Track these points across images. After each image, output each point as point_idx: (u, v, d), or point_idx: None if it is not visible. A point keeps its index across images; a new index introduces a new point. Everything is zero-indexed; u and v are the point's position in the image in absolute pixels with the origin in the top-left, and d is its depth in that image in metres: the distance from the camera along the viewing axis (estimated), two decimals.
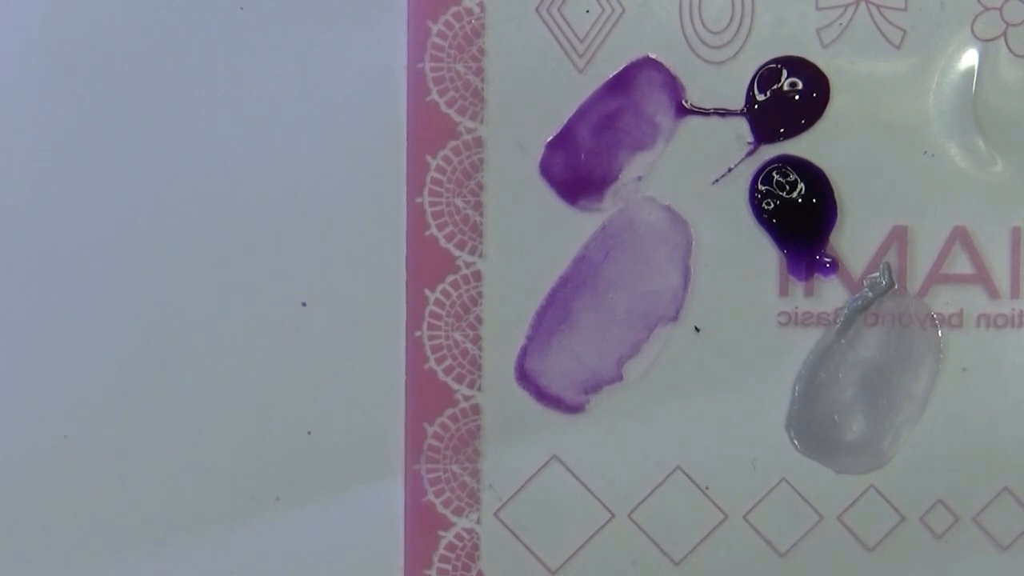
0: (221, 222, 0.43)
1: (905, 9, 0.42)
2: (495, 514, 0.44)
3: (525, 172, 0.43)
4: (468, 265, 0.43)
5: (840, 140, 0.43)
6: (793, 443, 0.43)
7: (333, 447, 0.44)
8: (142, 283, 0.44)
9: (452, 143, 0.43)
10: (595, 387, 0.43)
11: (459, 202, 0.43)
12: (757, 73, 0.43)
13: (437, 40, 0.43)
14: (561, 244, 0.43)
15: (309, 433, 0.44)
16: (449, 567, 0.44)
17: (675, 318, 0.43)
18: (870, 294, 0.43)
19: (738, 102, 0.43)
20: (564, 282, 0.43)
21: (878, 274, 0.43)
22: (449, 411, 0.44)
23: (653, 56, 0.43)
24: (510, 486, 0.44)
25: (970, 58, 0.42)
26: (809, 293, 0.43)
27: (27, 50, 0.43)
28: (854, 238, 0.43)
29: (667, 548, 0.44)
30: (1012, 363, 0.43)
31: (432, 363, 0.43)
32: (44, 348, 0.44)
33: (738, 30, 0.43)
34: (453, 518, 0.44)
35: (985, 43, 0.42)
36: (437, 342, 0.43)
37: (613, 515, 0.44)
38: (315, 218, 0.43)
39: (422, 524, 0.44)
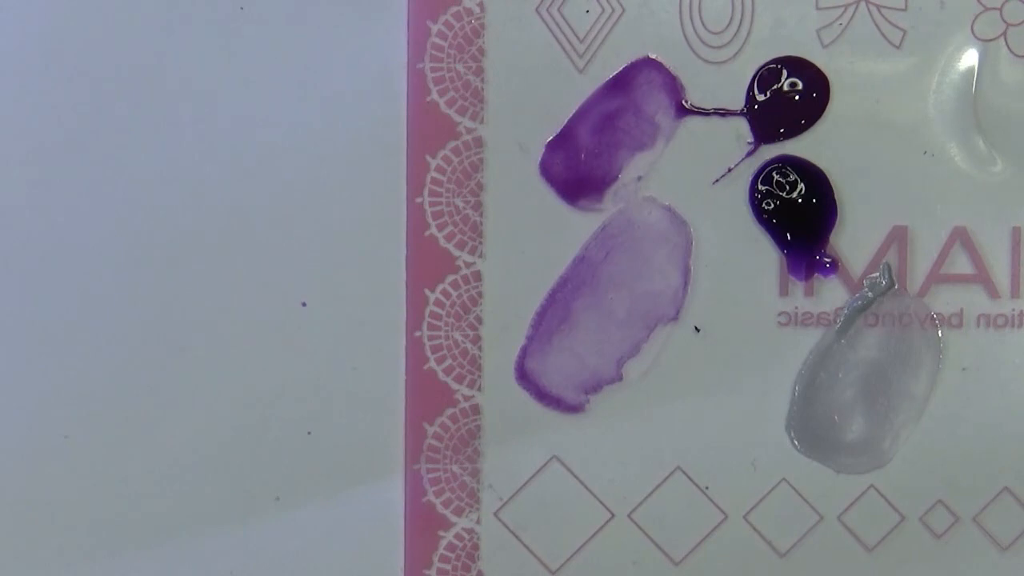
0: (221, 222, 0.43)
1: (905, 9, 0.42)
2: (495, 514, 0.44)
3: (525, 172, 0.43)
4: (468, 265, 0.43)
5: (840, 140, 0.43)
6: (793, 443, 0.43)
7: (333, 447, 0.44)
8: (142, 283, 0.44)
9: (452, 143, 0.43)
10: (595, 387, 0.43)
11: (459, 202, 0.43)
12: (757, 73, 0.43)
13: (437, 40, 0.43)
14: (561, 244, 0.43)
15: (309, 433, 0.44)
16: (449, 567, 0.44)
17: (675, 318, 0.43)
18: (870, 294, 0.43)
19: (738, 102, 0.43)
20: (564, 282, 0.43)
21: (878, 274, 0.43)
22: (449, 411, 0.44)
23: (653, 56, 0.43)
24: (510, 486, 0.44)
25: (970, 58, 0.42)
26: (809, 293, 0.43)
27: (27, 50, 0.43)
28: (854, 238, 0.43)
29: (667, 548, 0.44)
30: (1012, 363, 0.43)
31: (432, 363, 0.43)
32: (44, 348, 0.44)
33: (738, 30, 0.43)
34: (453, 518, 0.44)
35: (985, 43, 0.42)
36: (437, 342, 0.43)
37: (613, 515, 0.44)
38: (315, 218, 0.43)
39: (422, 524, 0.44)
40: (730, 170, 0.43)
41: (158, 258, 0.43)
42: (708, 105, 0.43)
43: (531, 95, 0.43)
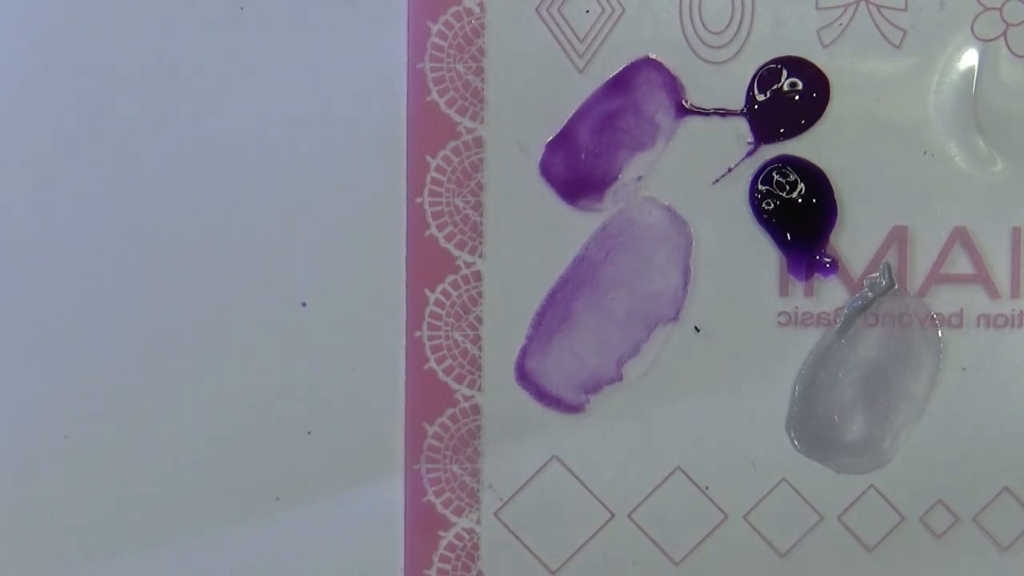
0: (221, 222, 0.43)
1: (905, 9, 0.42)
2: (495, 514, 0.44)
3: (525, 172, 0.43)
4: (468, 265, 0.43)
5: (840, 140, 0.43)
6: (793, 443, 0.43)
7: (333, 447, 0.44)
8: (142, 283, 0.44)
9: (452, 143, 0.43)
10: (595, 387, 0.43)
11: (459, 202, 0.43)
12: (757, 73, 0.43)
13: (437, 40, 0.43)
14: (561, 244, 0.43)
15: (309, 433, 0.44)
16: (449, 567, 0.44)
17: (675, 318, 0.43)
18: (870, 294, 0.43)
19: (738, 102, 0.43)
20: (564, 282, 0.43)
21: (878, 274, 0.43)
22: (449, 411, 0.44)
23: (653, 56, 0.43)
24: (510, 486, 0.44)
25: (970, 58, 0.42)
26: (809, 293, 0.43)
27: (28, 50, 0.43)
28: (854, 238, 0.43)
29: (667, 548, 0.44)
30: (1012, 363, 0.43)
31: (432, 363, 0.43)
32: (44, 348, 0.44)
33: (738, 30, 0.43)
34: (453, 518, 0.44)
35: (985, 43, 0.42)
36: (437, 342, 0.43)
37: (613, 515, 0.44)
38: (315, 218, 0.43)
39: (422, 524, 0.44)
40: (730, 170, 0.43)
41: (158, 258, 0.43)
42: (708, 105, 0.43)
43: (531, 95, 0.43)
